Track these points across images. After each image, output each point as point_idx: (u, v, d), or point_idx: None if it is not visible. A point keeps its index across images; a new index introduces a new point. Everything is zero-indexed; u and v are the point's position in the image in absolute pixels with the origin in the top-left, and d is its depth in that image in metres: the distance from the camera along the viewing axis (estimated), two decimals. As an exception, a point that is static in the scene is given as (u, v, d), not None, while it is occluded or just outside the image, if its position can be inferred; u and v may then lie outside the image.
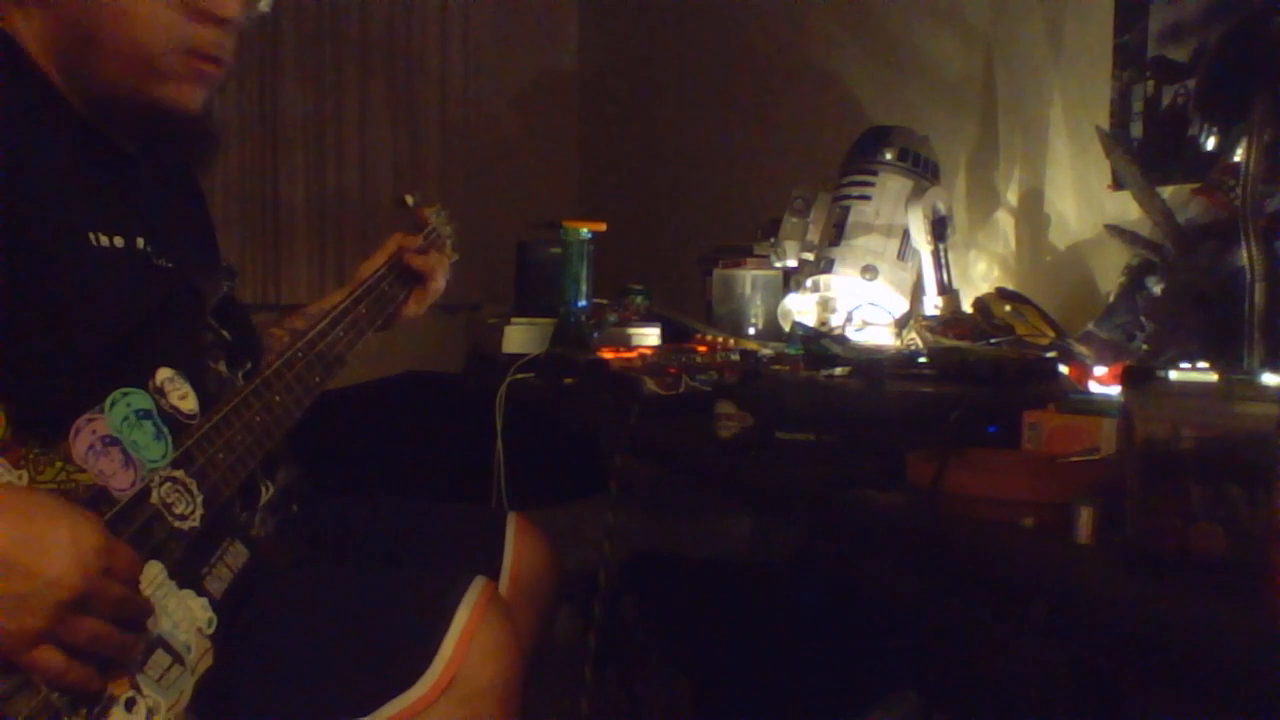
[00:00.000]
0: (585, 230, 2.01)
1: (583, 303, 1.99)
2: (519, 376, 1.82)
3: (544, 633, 1.37)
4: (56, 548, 0.76)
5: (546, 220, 2.20)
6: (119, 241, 0.99)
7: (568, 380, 1.75)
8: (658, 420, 1.37)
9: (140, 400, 0.91)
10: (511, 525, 1.37)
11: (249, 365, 1.15)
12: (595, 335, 1.91)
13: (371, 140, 3.28)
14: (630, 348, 1.85)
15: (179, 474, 0.92)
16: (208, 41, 1.03)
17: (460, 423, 2.09)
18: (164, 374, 0.95)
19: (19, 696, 0.75)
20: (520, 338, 2.05)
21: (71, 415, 0.86)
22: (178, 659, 0.88)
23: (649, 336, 1.96)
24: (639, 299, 2.04)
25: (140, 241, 1.02)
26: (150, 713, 0.84)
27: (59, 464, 0.83)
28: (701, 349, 1.75)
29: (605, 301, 2.04)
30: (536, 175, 3.50)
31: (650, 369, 1.53)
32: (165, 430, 0.92)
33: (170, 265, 1.06)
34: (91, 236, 0.97)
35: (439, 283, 1.47)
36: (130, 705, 0.82)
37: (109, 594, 0.79)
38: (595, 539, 1.42)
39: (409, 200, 1.53)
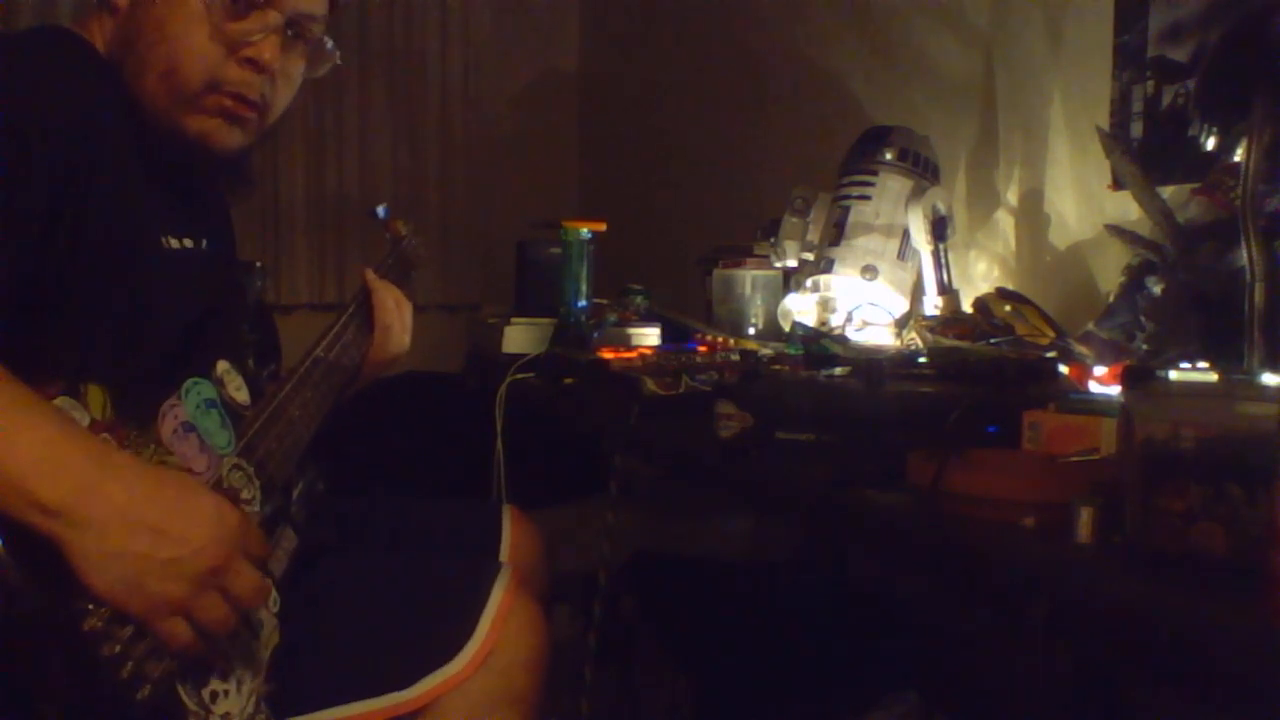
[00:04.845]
0: (585, 230, 2.01)
1: (583, 303, 1.99)
2: (519, 376, 1.82)
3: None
4: (204, 521, 0.83)
5: (546, 220, 2.21)
6: (188, 243, 1.09)
7: (568, 380, 1.75)
8: (658, 420, 1.37)
9: (207, 390, 0.97)
10: (507, 517, 1.41)
11: (273, 366, 1.21)
12: (595, 335, 1.91)
13: (371, 140, 3.27)
14: (630, 348, 1.85)
15: (243, 462, 0.97)
16: (238, 80, 1.03)
17: (460, 423, 2.09)
18: (222, 366, 1.01)
19: (150, 660, 0.81)
20: (520, 338, 2.05)
21: (151, 401, 0.90)
22: (254, 634, 0.94)
23: (649, 336, 1.96)
24: (639, 299, 2.04)
25: (204, 243, 1.13)
26: (239, 683, 0.89)
27: (152, 446, 0.88)
28: (701, 349, 1.75)
29: (605, 301, 2.04)
30: (536, 175, 3.49)
31: (650, 369, 1.53)
32: (228, 419, 0.98)
33: (224, 264, 1.18)
34: (164, 240, 1.06)
35: (399, 334, 1.38)
36: (224, 675, 0.88)
37: (242, 573, 0.85)
38: (595, 539, 1.42)
39: (380, 211, 1.56)
